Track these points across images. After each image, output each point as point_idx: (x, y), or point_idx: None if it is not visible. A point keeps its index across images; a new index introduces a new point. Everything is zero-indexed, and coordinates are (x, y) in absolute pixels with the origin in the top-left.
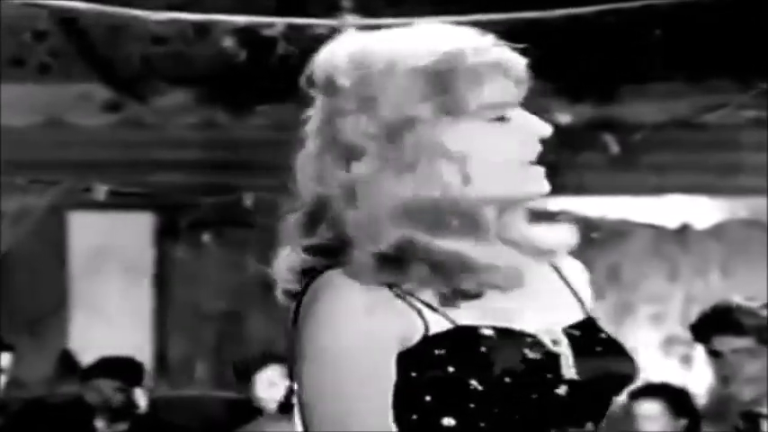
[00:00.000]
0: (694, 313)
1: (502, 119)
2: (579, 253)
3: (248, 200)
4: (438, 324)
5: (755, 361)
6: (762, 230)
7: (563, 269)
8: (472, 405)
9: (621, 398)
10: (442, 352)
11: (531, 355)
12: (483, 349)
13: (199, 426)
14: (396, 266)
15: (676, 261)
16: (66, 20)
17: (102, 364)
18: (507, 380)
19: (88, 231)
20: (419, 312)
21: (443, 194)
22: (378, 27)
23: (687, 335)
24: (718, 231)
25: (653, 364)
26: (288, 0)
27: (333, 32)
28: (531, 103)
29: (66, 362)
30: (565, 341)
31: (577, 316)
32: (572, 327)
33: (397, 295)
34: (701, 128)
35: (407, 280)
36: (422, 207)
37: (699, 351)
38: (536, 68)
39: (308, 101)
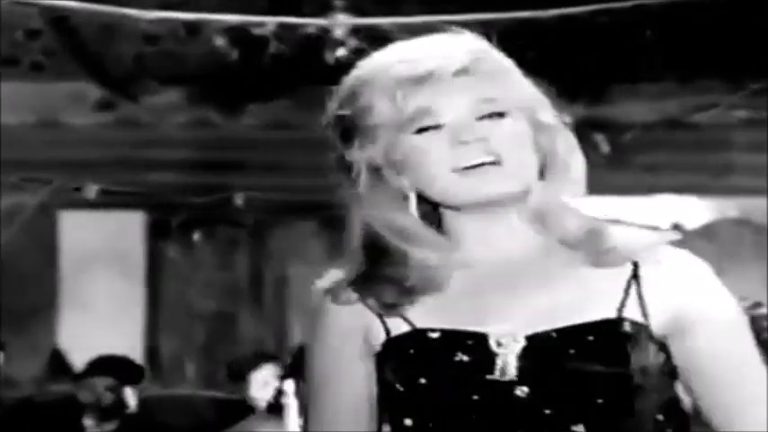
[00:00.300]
0: None
1: (434, 127)
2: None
3: (239, 199)
4: (398, 327)
5: None
6: (752, 230)
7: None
8: (405, 405)
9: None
10: (386, 356)
11: (460, 357)
12: (411, 351)
13: (188, 425)
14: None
15: None
16: (59, 19)
17: (101, 362)
18: (423, 381)
19: (79, 230)
20: (380, 316)
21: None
22: (369, 27)
23: None
24: (708, 231)
25: None
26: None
27: (324, 32)
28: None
29: (57, 361)
30: (517, 345)
31: (578, 319)
32: (558, 331)
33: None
34: (691, 128)
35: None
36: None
37: None
38: (529, 68)
39: (298, 100)
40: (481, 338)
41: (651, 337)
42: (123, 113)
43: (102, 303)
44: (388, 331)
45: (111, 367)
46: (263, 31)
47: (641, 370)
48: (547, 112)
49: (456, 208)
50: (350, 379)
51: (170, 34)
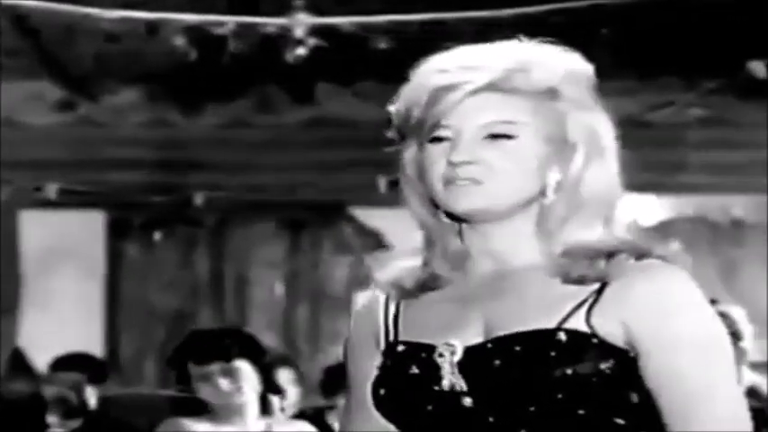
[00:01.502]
0: None
1: (438, 139)
2: None
3: (199, 198)
4: (390, 336)
5: None
6: (708, 227)
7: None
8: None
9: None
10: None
11: (413, 370)
12: (384, 362)
13: (148, 424)
14: None
15: None
16: (18, 18)
17: (67, 359)
18: (382, 392)
19: (40, 230)
20: (386, 326)
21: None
22: (328, 26)
23: None
24: (664, 229)
25: None
26: None
27: (284, 31)
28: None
29: (18, 359)
30: (454, 356)
31: (521, 328)
32: (492, 341)
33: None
34: (647, 126)
35: None
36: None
37: None
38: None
39: (257, 100)
40: (430, 351)
41: (597, 345)
42: (83, 113)
43: (62, 302)
44: (387, 342)
45: (77, 364)
46: (222, 30)
47: (574, 378)
48: (576, 130)
49: (461, 219)
50: (361, 387)
51: (130, 33)
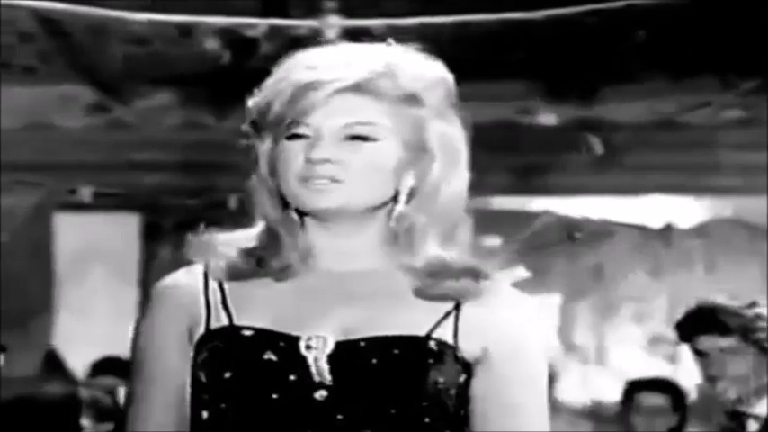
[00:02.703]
0: (678, 312)
1: (297, 136)
2: (564, 252)
3: (233, 201)
4: (218, 322)
5: (740, 360)
6: (745, 229)
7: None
8: (205, 397)
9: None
10: (201, 347)
11: (268, 356)
12: (220, 345)
13: None
14: None
15: (660, 260)
16: (50, 21)
17: (107, 363)
18: (227, 375)
19: (73, 232)
20: (207, 309)
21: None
22: (359, 28)
23: (671, 334)
24: (701, 231)
25: (638, 363)
26: (270, 1)
27: (315, 33)
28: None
29: (52, 361)
30: (326, 349)
31: (390, 332)
32: (366, 340)
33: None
34: (683, 127)
35: None
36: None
37: (684, 350)
38: (519, 70)
39: None
40: (293, 341)
41: (457, 358)
42: (115, 116)
43: (96, 304)
44: (208, 325)
45: (115, 368)
46: (254, 32)
47: (440, 388)
48: (438, 138)
49: (311, 216)
50: (168, 374)
51: (162, 36)
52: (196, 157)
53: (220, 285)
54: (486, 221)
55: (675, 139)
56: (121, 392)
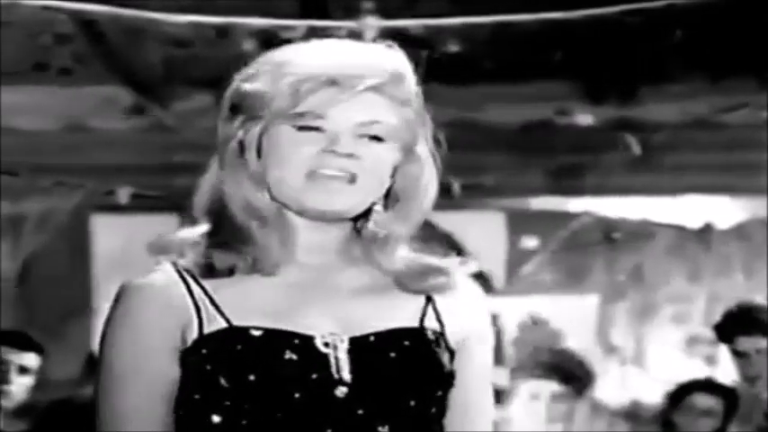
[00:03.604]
0: (717, 313)
1: (316, 129)
2: (602, 253)
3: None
4: (213, 323)
5: None
6: None
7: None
8: (227, 402)
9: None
10: (205, 351)
11: (289, 355)
12: (239, 347)
13: None
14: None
15: (699, 261)
16: (88, 23)
17: None
18: (252, 378)
19: (112, 234)
20: (197, 310)
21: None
22: (397, 29)
23: (710, 335)
24: (740, 231)
25: (676, 364)
26: (309, 2)
27: (354, 34)
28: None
29: (92, 364)
30: (343, 346)
31: (389, 326)
32: (375, 335)
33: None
34: (721, 127)
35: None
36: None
37: (722, 351)
38: (558, 70)
39: None
40: (307, 339)
41: (447, 347)
42: (153, 118)
43: None
44: (201, 327)
45: None
46: (292, 34)
47: (451, 375)
48: (423, 144)
49: (297, 212)
50: (154, 375)
51: (200, 38)
52: None
53: (199, 285)
54: (524, 222)
55: (713, 140)
56: None
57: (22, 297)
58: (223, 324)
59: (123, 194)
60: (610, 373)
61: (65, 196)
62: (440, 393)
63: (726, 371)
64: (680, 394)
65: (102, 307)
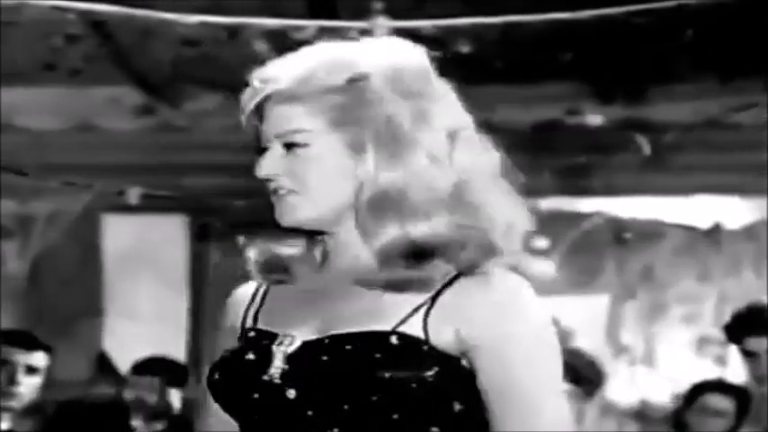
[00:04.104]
0: (727, 313)
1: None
2: (612, 253)
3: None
4: (248, 324)
5: None
6: None
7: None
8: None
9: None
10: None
11: (249, 356)
12: (227, 349)
13: None
14: None
15: (708, 261)
16: (97, 24)
17: (147, 363)
18: (216, 376)
19: (122, 234)
20: (245, 315)
21: None
22: (408, 29)
23: (720, 335)
24: (750, 231)
25: (686, 365)
26: (318, 3)
27: (364, 35)
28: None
29: (103, 363)
30: (288, 348)
31: (363, 329)
32: (330, 338)
33: None
34: (731, 128)
35: None
36: None
37: (732, 351)
38: (567, 70)
39: None
40: (273, 339)
41: (426, 352)
42: (163, 118)
43: (145, 306)
44: (243, 329)
45: (156, 368)
46: (302, 34)
47: (399, 382)
48: (371, 140)
49: None
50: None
51: (209, 38)
52: (244, 159)
53: (264, 294)
54: (534, 223)
55: (723, 140)
56: (171, 392)
57: (33, 297)
58: (249, 326)
59: (133, 194)
60: (620, 373)
61: (74, 196)
62: (376, 398)
63: (735, 371)
64: (693, 394)
65: (112, 307)
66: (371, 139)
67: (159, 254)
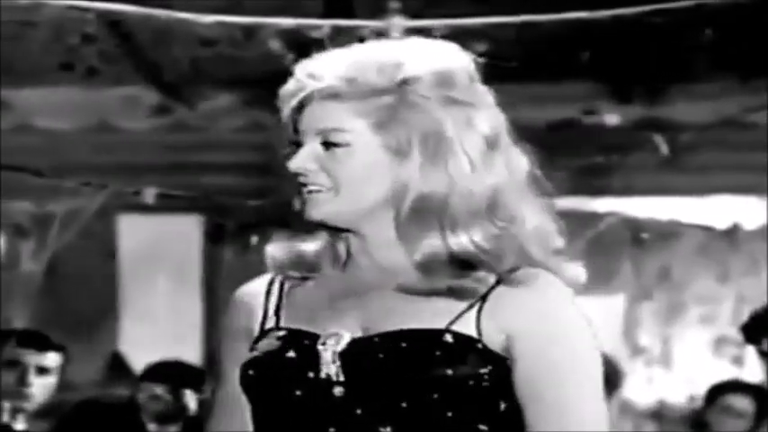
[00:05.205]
0: (745, 314)
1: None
2: (629, 253)
3: (296, 203)
4: (269, 325)
5: None
6: None
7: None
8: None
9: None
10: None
11: (290, 354)
12: (256, 345)
13: None
14: None
15: (726, 261)
16: (114, 23)
17: (159, 367)
18: (251, 372)
19: (137, 234)
20: (265, 313)
21: None
22: (423, 29)
23: (738, 335)
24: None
25: (703, 365)
26: (335, 2)
27: (380, 34)
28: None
29: (117, 364)
30: (337, 345)
31: (412, 326)
32: (380, 335)
33: None
34: (749, 127)
35: None
36: None
37: (749, 352)
38: (585, 70)
39: None
40: (315, 338)
41: (480, 350)
42: (179, 117)
43: (160, 305)
44: (262, 327)
45: (169, 372)
46: (318, 33)
47: (459, 380)
48: (416, 144)
49: None
50: (229, 369)
51: (225, 38)
52: (259, 159)
53: (280, 291)
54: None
55: (741, 140)
56: (186, 394)
57: (48, 297)
58: (272, 325)
59: (149, 194)
60: (636, 373)
61: (90, 196)
62: (437, 397)
63: (753, 372)
64: (713, 394)
65: (127, 306)
66: (417, 144)
67: (174, 253)
